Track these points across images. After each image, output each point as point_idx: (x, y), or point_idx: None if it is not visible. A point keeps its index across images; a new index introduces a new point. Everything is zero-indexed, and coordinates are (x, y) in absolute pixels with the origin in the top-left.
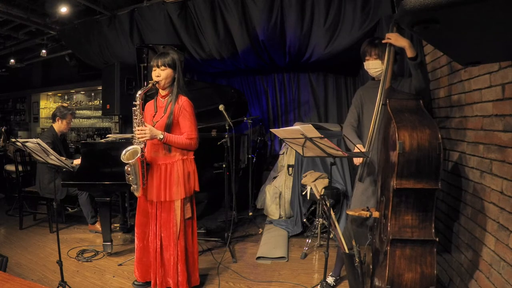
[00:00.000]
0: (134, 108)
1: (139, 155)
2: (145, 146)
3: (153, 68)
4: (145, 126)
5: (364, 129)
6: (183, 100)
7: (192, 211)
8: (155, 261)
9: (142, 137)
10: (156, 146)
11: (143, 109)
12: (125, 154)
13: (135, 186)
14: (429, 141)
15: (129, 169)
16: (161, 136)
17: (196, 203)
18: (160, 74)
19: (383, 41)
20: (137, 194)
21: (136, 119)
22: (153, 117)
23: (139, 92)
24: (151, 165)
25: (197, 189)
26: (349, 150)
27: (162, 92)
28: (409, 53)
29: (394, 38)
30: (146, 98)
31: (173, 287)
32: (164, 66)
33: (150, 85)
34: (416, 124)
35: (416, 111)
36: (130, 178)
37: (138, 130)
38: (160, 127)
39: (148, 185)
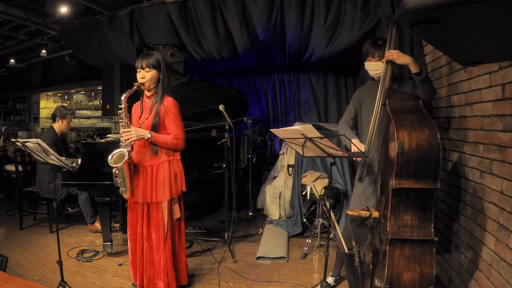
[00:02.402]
0: (120, 111)
1: (126, 158)
2: (132, 149)
3: (138, 70)
4: (130, 127)
5: (363, 129)
6: (168, 101)
7: (180, 211)
8: (141, 261)
9: (128, 139)
10: (143, 148)
11: (129, 112)
12: (112, 158)
13: (124, 188)
14: (428, 141)
15: (116, 172)
16: (149, 136)
17: (196, 203)
18: (145, 75)
19: (384, 60)
20: (125, 196)
21: (122, 122)
22: (139, 118)
23: (124, 95)
24: (137, 166)
25: (184, 189)
26: (348, 149)
27: (147, 93)
28: (413, 69)
29: (397, 56)
30: (135, 99)
31: (164, 286)
32: (149, 67)
33: (135, 87)
34: (415, 124)
35: (415, 111)
36: (119, 181)
37: (124, 132)
38: (146, 128)
39: (135, 186)
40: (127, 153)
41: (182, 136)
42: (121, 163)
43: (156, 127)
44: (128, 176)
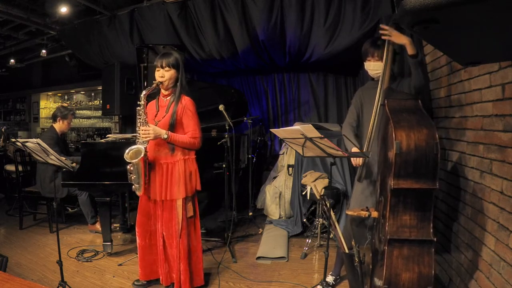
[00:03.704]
0: (138, 108)
1: (142, 155)
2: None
3: (157, 69)
4: (149, 126)
5: (363, 129)
6: (186, 100)
7: (194, 210)
8: (158, 257)
9: (146, 137)
10: (159, 146)
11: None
12: (128, 153)
13: (137, 185)
14: (426, 141)
15: (131, 168)
16: (166, 136)
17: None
18: (164, 75)
19: (383, 37)
20: (138, 193)
21: (139, 118)
22: (155, 116)
23: (144, 92)
24: (153, 164)
25: (198, 188)
26: (348, 149)
27: (164, 92)
28: (410, 50)
29: (395, 35)
30: (148, 97)
31: (176, 285)
32: (169, 67)
33: (154, 85)
34: (414, 124)
35: (414, 111)
36: (133, 178)
37: (142, 130)
38: (163, 127)
39: (151, 184)
40: (143, 150)
41: (199, 135)
42: (137, 159)
43: (173, 126)
44: (143, 173)
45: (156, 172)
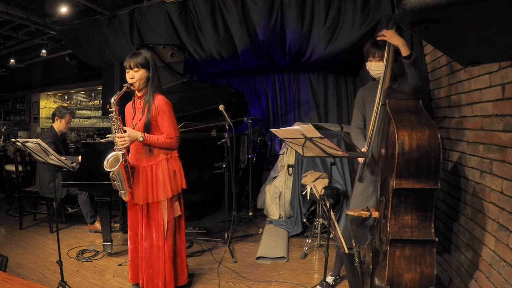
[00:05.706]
0: (111, 115)
1: (121, 161)
2: (127, 151)
3: (126, 70)
4: (124, 132)
5: (365, 129)
6: (159, 99)
7: (180, 209)
8: (142, 261)
9: (123, 144)
10: (139, 149)
11: (122, 112)
12: (107, 162)
13: (122, 191)
14: (429, 141)
15: (113, 175)
16: (141, 138)
17: (196, 203)
18: (134, 76)
19: (378, 38)
20: (125, 198)
21: (114, 125)
22: (132, 119)
23: (114, 98)
24: (136, 168)
25: (184, 186)
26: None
27: (138, 93)
28: (403, 51)
29: (389, 36)
30: (127, 99)
31: (161, 287)
32: (137, 67)
33: (124, 89)
34: (415, 124)
35: (415, 111)
36: (117, 184)
37: (118, 137)
38: (139, 129)
39: (135, 188)
40: (121, 156)
41: (175, 134)
42: (117, 166)
43: (148, 128)
44: (126, 178)
45: (140, 175)
